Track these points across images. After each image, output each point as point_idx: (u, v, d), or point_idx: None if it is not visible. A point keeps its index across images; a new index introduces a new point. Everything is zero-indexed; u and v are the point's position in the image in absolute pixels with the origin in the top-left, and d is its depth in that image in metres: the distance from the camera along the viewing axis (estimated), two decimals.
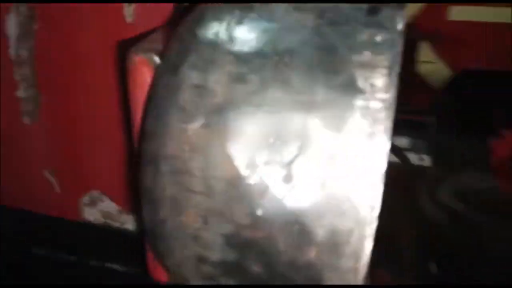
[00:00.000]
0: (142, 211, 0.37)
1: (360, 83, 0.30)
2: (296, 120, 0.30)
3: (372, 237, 0.29)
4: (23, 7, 0.74)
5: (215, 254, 0.34)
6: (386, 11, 0.34)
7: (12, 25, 0.75)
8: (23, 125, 0.80)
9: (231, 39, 0.33)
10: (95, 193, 0.81)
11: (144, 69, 0.38)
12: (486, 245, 1.93)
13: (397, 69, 0.30)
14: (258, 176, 0.31)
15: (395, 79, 0.30)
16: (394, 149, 2.70)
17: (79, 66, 0.74)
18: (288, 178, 0.30)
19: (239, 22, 0.34)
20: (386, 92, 0.29)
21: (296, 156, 0.30)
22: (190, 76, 0.32)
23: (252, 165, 0.31)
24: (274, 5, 0.36)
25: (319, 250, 0.30)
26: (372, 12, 0.34)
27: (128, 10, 0.68)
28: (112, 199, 0.81)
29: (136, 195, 0.40)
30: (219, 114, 0.31)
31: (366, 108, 0.29)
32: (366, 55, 0.31)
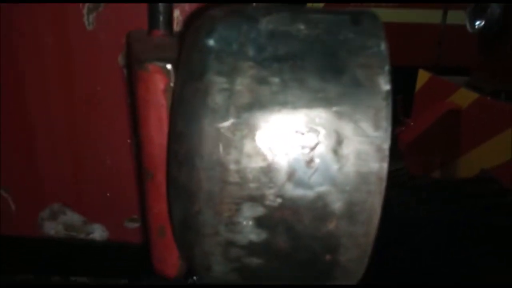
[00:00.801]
0: (172, 207, 0.40)
1: (362, 80, 0.37)
2: (315, 113, 0.36)
3: (381, 204, 0.36)
4: None
5: (245, 237, 0.38)
6: (367, 20, 0.41)
7: None
8: None
9: (247, 47, 0.38)
10: (56, 206, 0.79)
11: (158, 76, 0.41)
12: (410, 225, 2.15)
13: (388, 67, 0.37)
14: (286, 162, 0.36)
15: (388, 76, 0.37)
16: None
17: (34, 75, 0.73)
18: (310, 163, 0.36)
19: (249, 32, 0.39)
20: (385, 86, 0.36)
21: (317, 144, 0.36)
22: (217, 81, 0.37)
23: (280, 154, 0.36)
24: (274, 16, 0.41)
25: (338, 220, 0.37)
26: (356, 22, 0.41)
27: (88, 18, 0.69)
28: (75, 210, 0.80)
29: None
30: (248, 112, 0.36)
31: (370, 100, 0.36)
32: (363, 57, 0.37)
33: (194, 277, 0.84)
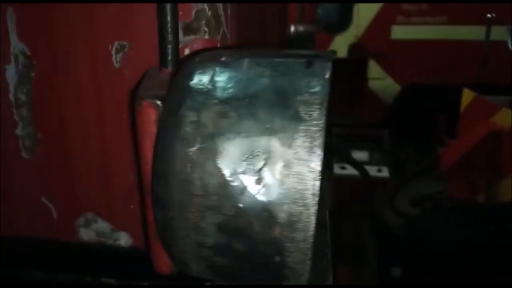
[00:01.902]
0: (154, 214, 0.50)
1: (303, 114, 0.45)
2: (263, 141, 0.45)
3: (315, 215, 0.44)
4: (21, 57, 0.86)
5: (210, 239, 0.48)
6: (318, 63, 0.50)
7: (11, 73, 0.87)
8: (22, 159, 0.91)
9: (214, 88, 0.48)
10: (90, 215, 0.93)
11: (150, 110, 0.52)
12: (443, 246, 2.13)
13: (326, 104, 0.46)
14: (239, 180, 0.45)
15: (324, 111, 0.45)
16: (354, 163, 2.93)
17: (73, 106, 0.87)
18: (259, 181, 0.45)
19: (219, 75, 0.50)
20: (319, 119, 0.45)
21: (264, 165, 0.45)
22: (188, 115, 0.47)
23: (234, 174, 0.45)
24: (241, 60, 0.51)
25: (282, 228, 0.45)
26: (308, 65, 0.50)
27: (116, 58, 0.82)
28: (105, 219, 0.92)
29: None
30: (210, 139, 0.46)
31: (307, 131, 0.45)
32: (306, 96, 0.46)
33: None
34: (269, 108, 0.46)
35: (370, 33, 6.44)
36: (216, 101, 0.47)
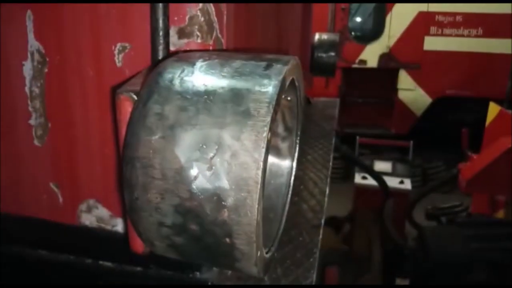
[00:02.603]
0: (123, 195, 0.56)
1: (252, 111, 0.50)
2: (215, 133, 0.50)
3: (257, 201, 0.49)
4: (37, 54, 0.95)
5: (169, 219, 0.53)
6: (275, 66, 0.55)
7: (27, 68, 0.96)
8: (34, 147, 1.00)
9: (180, 84, 0.54)
10: (91, 201, 1.00)
11: (126, 103, 0.58)
12: (450, 259, 2.12)
13: (273, 103, 0.51)
14: (193, 167, 0.51)
15: (272, 109, 0.50)
16: (373, 174, 2.95)
17: (79, 100, 0.95)
18: (209, 168, 0.50)
19: (186, 74, 0.55)
20: (266, 116, 0.50)
21: (215, 155, 0.50)
22: (153, 107, 0.53)
23: (189, 161, 0.51)
24: (209, 61, 0.57)
25: (229, 211, 0.50)
26: (266, 68, 0.55)
27: (118, 58, 0.90)
28: (105, 206, 1.00)
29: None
30: (170, 130, 0.52)
31: (254, 125, 0.50)
32: (257, 94, 0.51)
33: (197, 272, 0.99)
34: (223, 104, 0.51)
35: (402, 43, 6.39)
36: (178, 96, 0.53)
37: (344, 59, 6.39)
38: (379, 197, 3.46)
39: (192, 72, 0.55)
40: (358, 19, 6.88)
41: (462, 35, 6.03)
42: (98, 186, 1.00)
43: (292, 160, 0.74)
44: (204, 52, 0.60)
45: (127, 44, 0.88)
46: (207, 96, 0.52)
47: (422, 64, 6.32)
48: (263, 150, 0.49)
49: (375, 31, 6.70)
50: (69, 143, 0.99)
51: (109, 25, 0.89)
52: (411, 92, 6.42)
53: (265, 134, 0.49)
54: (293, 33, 1.99)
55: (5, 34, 0.96)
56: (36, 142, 1.00)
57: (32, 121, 1.00)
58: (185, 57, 0.59)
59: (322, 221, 1.29)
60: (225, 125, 0.50)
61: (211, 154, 0.50)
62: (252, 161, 0.49)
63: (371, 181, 3.97)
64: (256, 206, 0.49)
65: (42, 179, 1.02)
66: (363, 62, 6.66)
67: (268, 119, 0.50)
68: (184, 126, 0.51)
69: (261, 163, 0.49)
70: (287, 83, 0.56)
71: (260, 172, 0.49)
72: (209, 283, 0.98)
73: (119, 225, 1.01)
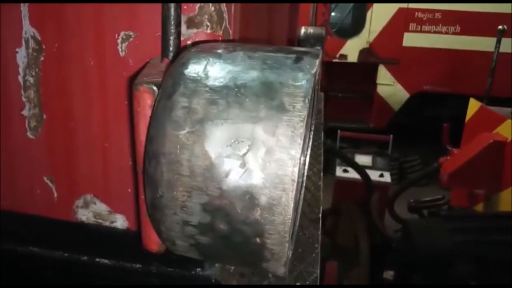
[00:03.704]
0: (145, 192, 0.53)
1: (287, 105, 0.48)
2: (248, 128, 0.48)
3: (293, 200, 0.47)
4: (32, 42, 0.90)
5: (195, 218, 0.51)
6: (306, 59, 0.53)
7: (21, 56, 0.91)
8: (27, 139, 0.95)
9: (207, 76, 0.51)
10: (88, 196, 0.96)
11: (146, 95, 0.55)
12: (434, 252, 2.16)
13: (309, 97, 0.49)
14: (224, 163, 0.48)
15: (308, 103, 0.48)
16: (355, 167, 2.97)
17: (78, 90, 0.91)
18: (242, 165, 0.48)
19: (212, 65, 0.53)
20: (302, 111, 0.48)
21: (247, 151, 0.48)
22: (180, 100, 0.50)
23: (220, 157, 0.48)
24: (235, 53, 0.54)
25: (262, 210, 0.48)
26: (297, 60, 0.53)
27: (121, 47, 0.86)
28: (103, 201, 0.96)
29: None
30: (200, 124, 0.49)
31: (290, 120, 0.48)
32: (291, 88, 0.49)
33: (198, 269, 0.97)
34: (256, 98, 0.49)
35: (381, 39, 6.46)
36: (207, 89, 0.50)
37: (325, 53, 6.44)
38: (359, 190, 3.50)
39: (219, 64, 0.53)
40: (339, 14, 6.91)
41: (441, 32, 6.14)
42: (96, 180, 0.96)
43: (306, 153, 0.72)
44: (226, 43, 0.58)
45: (131, 33, 0.84)
46: (238, 89, 0.50)
47: (401, 60, 6.41)
48: (300, 147, 0.47)
49: (355, 26, 6.75)
50: (65, 136, 0.94)
51: (112, 12, 0.84)
52: (389, 87, 6.51)
53: (301, 130, 0.47)
54: (281, 26, 1.97)
55: None
56: (29, 134, 0.95)
57: (25, 112, 0.94)
58: (208, 47, 0.57)
59: (320, 215, 1.29)
60: (259, 120, 0.48)
61: (244, 150, 0.48)
62: (289, 158, 0.47)
63: (351, 174, 4.02)
64: (292, 205, 0.47)
65: (36, 173, 0.97)
66: (344, 56, 6.71)
67: (304, 113, 0.48)
68: (215, 120, 0.49)
69: (298, 160, 0.47)
70: (318, 76, 0.54)
71: (296, 170, 0.47)
72: (213, 280, 0.96)
73: (118, 221, 0.97)
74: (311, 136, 0.80)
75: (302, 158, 0.47)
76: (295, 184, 0.47)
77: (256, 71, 0.51)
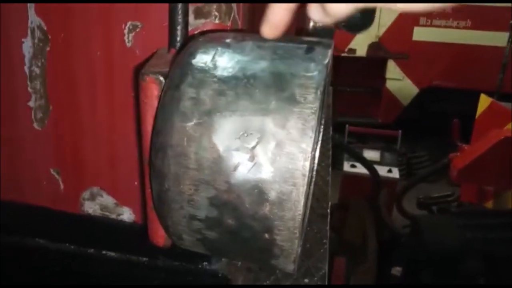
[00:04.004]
0: (151, 185, 0.52)
1: (298, 97, 0.47)
2: (257, 120, 0.46)
3: (304, 195, 0.46)
4: (38, 32, 0.89)
5: (202, 212, 0.49)
6: (318, 50, 0.51)
7: (27, 46, 0.90)
8: (33, 130, 0.94)
9: (215, 66, 0.50)
10: (95, 188, 0.95)
11: (152, 85, 0.54)
12: (444, 249, 2.13)
13: (321, 89, 0.47)
14: (232, 157, 0.47)
15: (319, 95, 0.47)
16: (364, 163, 2.94)
17: (85, 81, 0.89)
18: (251, 158, 0.46)
19: (220, 55, 0.51)
20: (314, 103, 0.46)
21: (257, 144, 0.46)
22: (188, 91, 0.49)
23: (228, 150, 0.47)
24: (244, 43, 0.53)
25: (271, 205, 0.47)
26: (309, 50, 0.51)
27: (128, 37, 0.84)
28: (110, 194, 0.95)
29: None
30: (207, 116, 0.47)
31: (301, 113, 0.46)
32: (302, 79, 0.47)
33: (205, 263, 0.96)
34: (266, 89, 0.47)
35: (391, 33, 6.37)
36: (215, 79, 0.49)
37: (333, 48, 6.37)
38: (366, 185, 3.47)
39: (228, 54, 0.51)
40: None
41: (451, 27, 6.05)
42: (103, 173, 0.95)
43: (316, 147, 0.71)
44: (235, 33, 0.56)
45: (138, 23, 0.83)
46: (247, 80, 0.48)
47: (410, 54, 6.33)
48: (311, 140, 0.45)
49: (365, 20, 6.65)
50: (72, 127, 0.93)
51: (119, 2, 0.83)
52: (398, 82, 6.43)
53: (313, 122, 0.45)
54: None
55: (3, 9, 0.89)
56: (35, 125, 0.94)
57: (31, 103, 0.93)
58: (216, 37, 0.55)
59: (328, 210, 1.27)
60: (269, 112, 0.46)
61: (253, 143, 0.46)
62: (299, 152, 0.45)
63: (359, 170, 3.99)
64: (302, 200, 0.46)
65: (42, 165, 0.96)
66: (352, 51, 6.64)
67: (316, 106, 0.46)
68: (223, 112, 0.47)
69: (309, 154, 0.45)
70: (329, 67, 0.52)
71: (307, 164, 0.45)
72: (219, 274, 0.95)
73: (125, 214, 0.96)
74: (321, 130, 0.78)
75: (313, 152, 0.46)
76: (306, 179, 0.45)
77: (266, 61, 0.50)
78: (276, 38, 0.53)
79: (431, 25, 6.05)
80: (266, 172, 0.46)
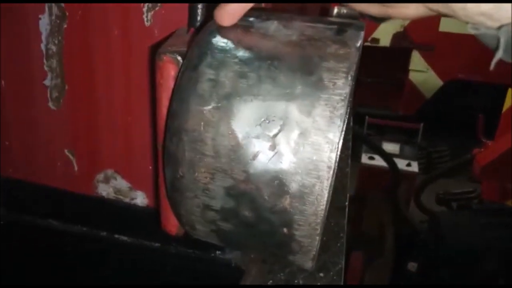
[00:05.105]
0: (164, 171, 0.49)
1: (326, 82, 0.43)
2: (280, 106, 0.43)
3: (328, 189, 0.42)
4: (55, 8, 0.86)
5: (218, 203, 0.46)
6: (350, 31, 0.47)
7: (44, 23, 0.87)
8: (49, 110, 0.92)
9: (237, 46, 0.46)
10: (109, 171, 0.93)
11: (170, 65, 0.50)
12: (464, 246, 2.08)
13: (352, 73, 0.43)
14: (252, 144, 0.43)
15: (350, 81, 0.43)
16: (384, 155, 2.87)
17: (101, 61, 0.87)
18: (272, 147, 0.43)
19: (243, 34, 0.47)
20: (343, 89, 0.42)
21: (279, 132, 0.43)
22: (206, 72, 0.45)
23: (248, 137, 0.43)
24: (269, 22, 0.49)
25: (292, 198, 0.43)
26: (339, 32, 0.47)
27: (147, 16, 0.81)
28: (124, 177, 0.93)
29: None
30: (227, 100, 0.44)
31: (329, 99, 0.42)
32: (332, 63, 0.43)
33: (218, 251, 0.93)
34: (291, 72, 0.44)
35: (417, 23, 6.17)
36: (236, 60, 0.45)
37: None
38: (384, 178, 3.40)
39: (251, 33, 0.47)
40: None
41: None
42: (117, 156, 0.93)
43: (341, 137, 0.66)
44: (259, 11, 0.52)
45: (157, 2, 0.79)
46: (271, 62, 0.44)
47: (436, 46, 6.14)
48: (339, 130, 0.41)
49: None
50: (88, 108, 0.91)
51: None
52: (422, 74, 6.26)
53: (342, 110, 0.42)
54: (313, 5, 1.88)
55: None
56: (50, 105, 0.92)
57: (47, 82, 0.91)
58: None
59: (346, 203, 1.23)
60: (293, 98, 0.43)
61: (275, 131, 0.43)
62: (325, 142, 0.41)
63: (377, 162, 3.91)
64: (326, 194, 0.42)
65: (57, 145, 0.95)
66: (376, 40, 6.47)
67: (346, 92, 0.42)
68: (243, 96, 0.44)
69: (336, 145, 0.41)
70: (361, 51, 0.48)
71: (334, 155, 0.42)
72: (233, 264, 0.92)
73: (138, 198, 0.94)
74: (346, 119, 0.74)
75: (339, 143, 0.42)
76: (331, 172, 0.42)
77: (292, 42, 0.46)
78: (304, 17, 0.49)
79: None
80: (287, 163, 0.42)
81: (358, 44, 0.45)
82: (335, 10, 2.32)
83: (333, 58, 0.44)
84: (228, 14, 0.47)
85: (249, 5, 0.48)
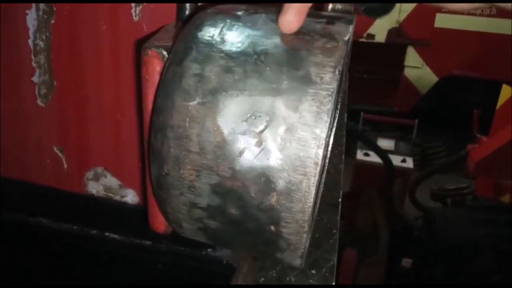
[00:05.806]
0: (150, 168, 0.48)
1: (313, 76, 0.42)
2: (267, 102, 0.42)
3: (315, 186, 0.41)
4: (43, 4, 0.85)
5: (204, 200, 0.45)
6: (338, 25, 0.46)
7: (32, 18, 0.86)
8: (37, 107, 0.91)
9: (223, 41, 0.45)
10: (99, 169, 0.92)
11: (155, 60, 0.49)
12: (458, 242, 2.07)
13: (340, 68, 0.42)
14: (238, 141, 0.42)
15: (338, 75, 0.42)
16: (378, 151, 2.86)
17: (90, 57, 0.86)
18: (258, 143, 0.42)
19: (229, 28, 0.46)
20: (331, 83, 0.41)
21: (265, 128, 0.42)
22: (191, 67, 0.44)
23: (234, 133, 0.42)
24: (256, 16, 0.48)
25: (279, 195, 0.42)
26: (328, 26, 0.46)
27: (135, 11, 0.80)
28: (114, 175, 0.92)
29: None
30: (212, 95, 0.43)
31: (316, 94, 0.41)
32: (319, 57, 0.43)
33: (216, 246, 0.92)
34: (277, 67, 0.43)
35: (412, 19, 6.16)
36: (222, 54, 0.44)
37: None
38: (379, 174, 3.40)
39: (237, 27, 0.46)
40: None
41: (475, 14, 5.84)
42: (107, 153, 0.92)
43: (330, 133, 0.66)
44: (247, 5, 0.51)
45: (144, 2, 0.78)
46: (257, 56, 0.43)
47: (431, 42, 6.13)
48: (326, 125, 0.41)
49: (386, 4, 6.46)
50: (76, 105, 0.90)
51: None
52: (418, 70, 6.25)
53: (329, 105, 0.41)
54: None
55: None
56: (39, 102, 0.91)
57: (35, 78, 0.90)
58: (226, 9, 0.50)
59: (339, 200, 1.23)
60: (280, 93, 0.42)
61: (261, 127, 0.42)
62: (312, 138, 0.41)
63: (372, 158, 3.91)
64: (313, 191, 0.41)
65: (45, 143, 0.94)
66: (371, 36, 6.46)
67: (333, 87, 0.41)
68: (229, 91, 0.43)
69: (323, 140, 0.41)
70: (350, 45, 0.47)
71: (320, 151, 0.41)
72: (224, 262, 0.91)
73: (128, 196, 0.93)
74: (337, 115, 0.73)
75: (327, 139, 0.41)
76: (318, 168, 0.41)
77: (279, 36, 0.45)
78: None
79: (454, 12, 5.84)
80: (274, 159, 0.42)
81: (347, 38, 0.44)
82: (330, 6, 2.30)
83: (321, 52, 0.43)
84: (296, 15, 0.44)
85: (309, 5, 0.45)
